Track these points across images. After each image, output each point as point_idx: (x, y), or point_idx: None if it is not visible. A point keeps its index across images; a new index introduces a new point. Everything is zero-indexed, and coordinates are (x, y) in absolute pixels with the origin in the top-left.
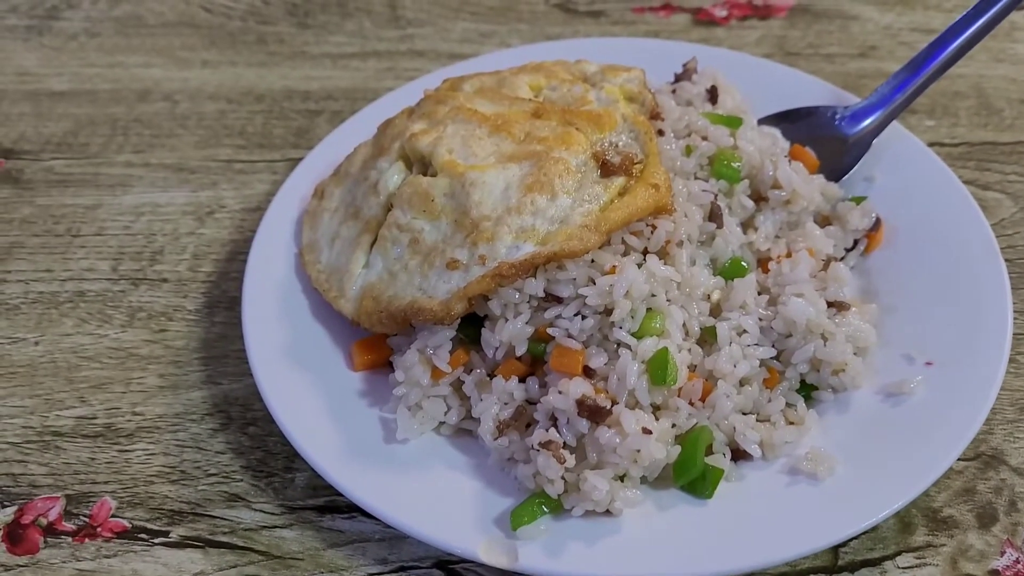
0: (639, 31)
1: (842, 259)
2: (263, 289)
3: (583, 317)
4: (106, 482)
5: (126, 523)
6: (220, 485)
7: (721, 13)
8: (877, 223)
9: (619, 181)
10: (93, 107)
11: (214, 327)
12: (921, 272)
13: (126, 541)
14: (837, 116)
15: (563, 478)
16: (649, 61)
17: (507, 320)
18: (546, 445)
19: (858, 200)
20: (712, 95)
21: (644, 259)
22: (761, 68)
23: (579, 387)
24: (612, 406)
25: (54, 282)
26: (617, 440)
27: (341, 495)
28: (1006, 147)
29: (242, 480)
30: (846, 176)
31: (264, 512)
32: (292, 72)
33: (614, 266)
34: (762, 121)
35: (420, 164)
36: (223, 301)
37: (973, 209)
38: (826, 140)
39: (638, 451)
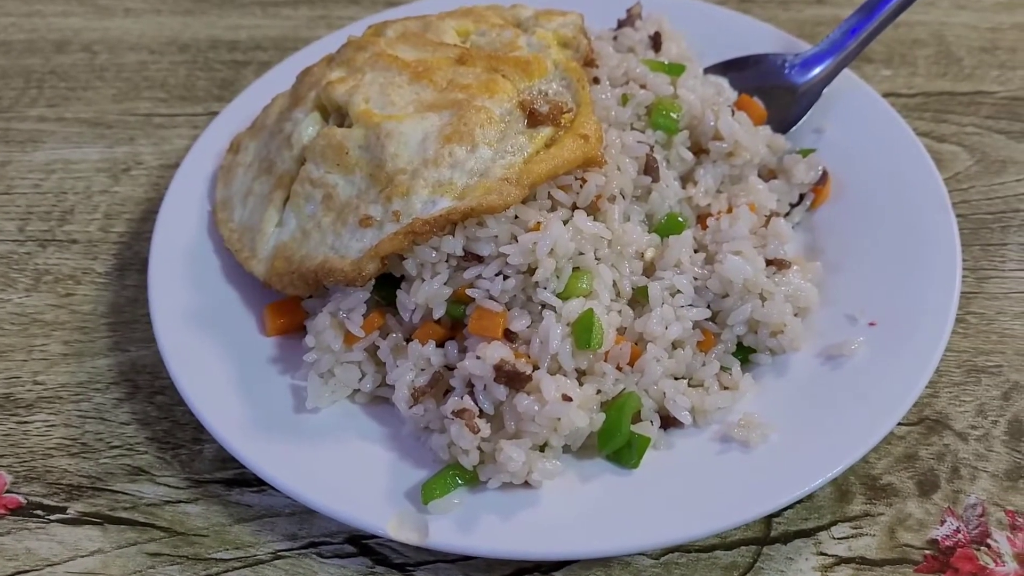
0: None
1: (787, 215)
2: (173, 250)
3: (505, 277)
4: (1, 455)
5: (21, 499)
6: (123, 458)
7: None
8: (824, 176)
9: (546, 132)
10: (6, 59)
11: (124, 291)
12: (869, 228)
13: (20, 518)
14: (787, 64)
15: (479, 448)
16: (593, 7)
17: (424, 281)
18: (460, 413)
19: (805, 152)
20: (655, 42)
21: (572, 215)
22: (710, 14)
23: (497, 351)
24: (533, 371)
25: None
26: (536, 408)
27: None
28: (964, 97)
29: (147, 453)
30: (794, 127)
31: (168, 486)
32: (219, 21)
33: (539, 223)
34: (708, 70)
35: (337, 115)
36: (135, 263)
37: (926, 162)
38: (775, 90)
39: (558, 419)
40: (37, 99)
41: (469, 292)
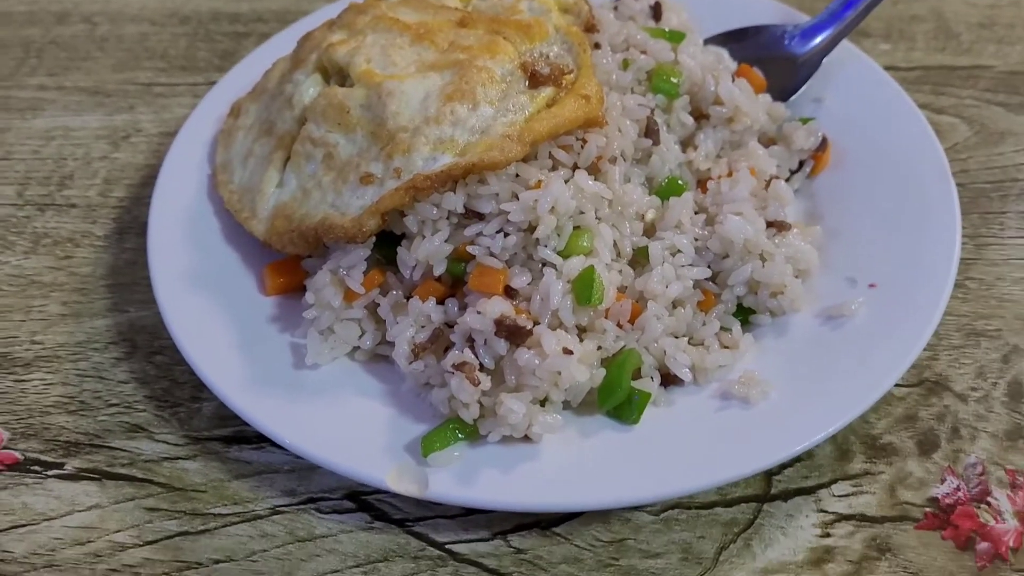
0: None
1: (787, 181)
2: (173, 211)
3: (506, 234)
4: None
5: (18, 455)
6: (121, 416)
7: None
8: (824, 143)
9: (547, 92)
10: (6, 29)
11: (123, 253)
12: (869, 194)
13: (17, 473)
14: (786, 35)
15: (479, 402)
16: None
17: (424, 238)
18: (460, 367)
19: (805, 121)
20: (656, 12)
21: (573, 174)
22: None
23: (498, 306)
24: (533, 327)
25: None
26: (536, 361)
27: (249, 425)
28: (963, 71)
29: (145, 410)
30: (794, 96)
31: (167, 443)
32: None
33: (540, 181)
34: (708, 41)
35: (338, 76)
36: (134, 227)
37: (924, 129)
38: (775, 60)
39: (559, 373)
40: (37, 68)
41: (470, 249)
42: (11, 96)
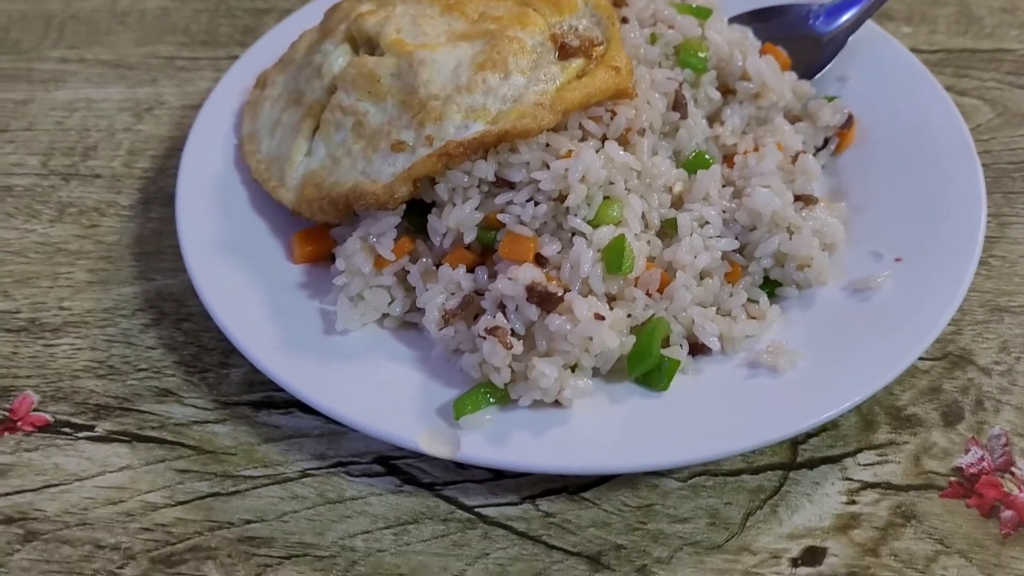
0: None
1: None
2: (200, 180)
3: (536, 203)
4: (28, 376)
5: (48, 417)
6: (150, 380)
7: None
8: (849, 120)
9: (577, 63)
10: (26, 3)
11: (149, 223)
12: (894, 171)
13: (48, 435)
14: (811, 14)
15: (510, 367)
16: None
17: (455, 205)
18: (492, 331)
19: (830, 99)
20: None
21: (603, 145)
22: None
23: (529, 272)
24: (564, 293)
25: None
26: (568, 327)
27: (278, 390)
28: (985, 54)
29: (174, 375)
30: (819, 74)
31: (196, 407)
32: None
33: (570, 150)
34: (732, 20)
35: (367, 46)
36: (159, 197)
37: (949, 108)
38: (800, 39)
39: (590, 338)
40: (58, 42)
41: (500, 217)
42: (33, 68)
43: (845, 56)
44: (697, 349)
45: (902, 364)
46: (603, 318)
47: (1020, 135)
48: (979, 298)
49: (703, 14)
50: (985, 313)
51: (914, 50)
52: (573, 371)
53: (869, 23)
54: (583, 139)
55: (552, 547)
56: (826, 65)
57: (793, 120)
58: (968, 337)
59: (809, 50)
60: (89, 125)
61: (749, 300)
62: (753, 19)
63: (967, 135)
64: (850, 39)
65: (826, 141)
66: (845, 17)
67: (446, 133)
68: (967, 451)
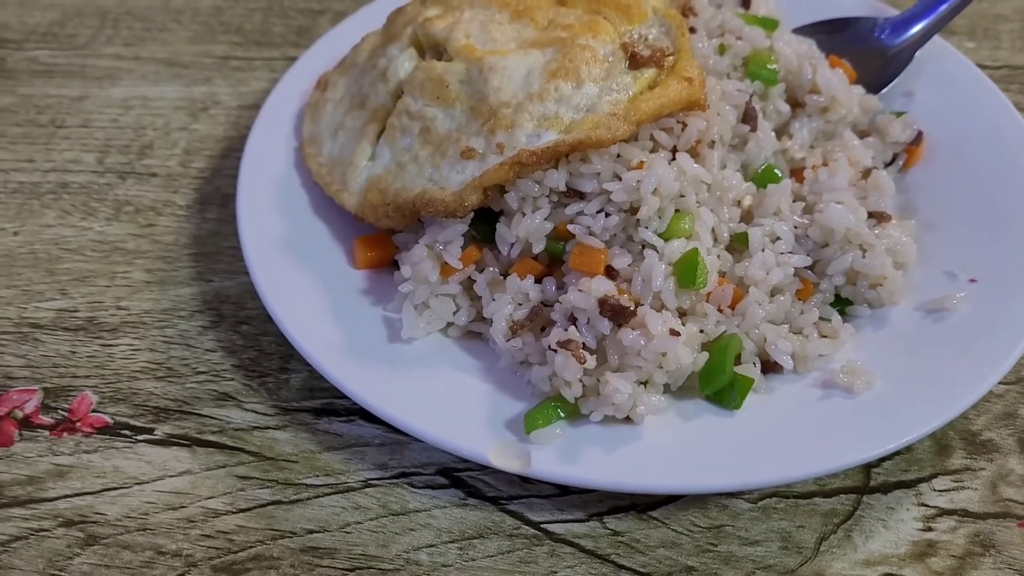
0: None
1: None
2: (260, 182)
3: (607, 214)
4: (87, 376)
5: (108, 418)
6: (209, 384)
7: None
8: (919, 137)
9: (649, 73)
10: None
11: (206, 223)
12: (964, 189)
13: (107, 437)
14: (877, 27)
15: (581, 381)
16: None
17: (524, 215)
18: (565, 344)
19: (898, 115)
20: (745, 0)
21: (674, 157)
22: None
23: (601, 285)
24: (636, 307)
25: (36, 172)
26: (642, 342)
27: (339, 397)
28: None
29: (233, 379)
30: (885, 89)
31: (256, 412)
32: None
33: (642, 161)
34: (795, 31)
35: (434, 51)
36: (216, 198)
37: (1019, 124)
38: (865, 52)
39: (664, 354)
40: (113, 38)
41: (570, 228)
42: (88, 64)
43: (912, 71)
44: (769, 367)
45: (981, 389)
46: (678, 334)
47: None
48: None
49: (770, 25)
50: None
51: (978, 65)
52: (644, 387)
53: (936, 38)
54: (654, 150)
55: (621, 567)
56: (893, 79)
57: (861, 135)
58: None
59: (875, 64)
60: (145, 123)
61: (821, 318)
62: (817, 31)
63: None
64: (917, 54)
65: (894, 157)
66: (912, 31)
67: (518, 141)
68: None
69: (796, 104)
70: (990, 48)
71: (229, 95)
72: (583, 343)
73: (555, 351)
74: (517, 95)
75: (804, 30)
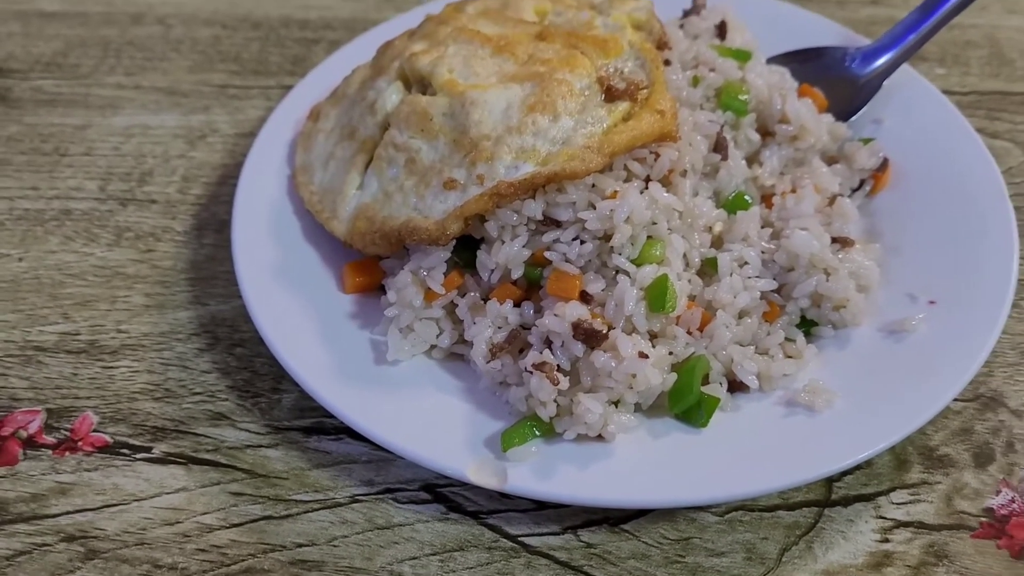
0: None
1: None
2: (254, 209)
3: (582, 242)
4: (88, 397)
5: (108, 438)
6: (205, 404)
7: None
8: (884, 163)
9: (623, 106)
10: (84, 29)
11: (203, 249)
12: (927, 214)
13: (107, 455)
14: (847, 57)
15: (556, 401)
16: None
17: (504, 243)
18: (540, 366)
19: (866, 141)
20: (721, 31)
21: (647, 186)
22: (772, 7)
23: (575, 310)
24: (608, 331)
25: (40, 199)
26: (613, 364)
27: (328, 417)
28: (1017, 97)
29: (227, 400)
30: (854, 117)
31: (249, 431)
32: (290, 0)
33: (615, 191)
34: (770, 60)
35: (419, 84)
36: (213, 223)
37: (983, 153)
38: (836, 81)
39: (634, 375)
40: (115, 67)
41: (547, 255)
42: (91, 94)
43: (880, 99)
44: (736, 387)
45: (936, 406)
46: (647, 356)
47: None
48: (1011, 340)
49: (743, 57)
50: (1017, 356)
51: (947, 92)
52: (616, 406)
53: (904, 67)
54: (628, 180)
55: None
56: (862, 107)
57: (829, 161)
58: (1000, 379)
59: (846, 92)
60: (145, 151)
61: (786, 339)
62: (791, 60)
63: (1000, 179)
64: (885, 82)
65: (862, 183)
66: (881, 61)
67: (497, 173)
68: (998, 492)
69: (767, 133)
70: (959, 74)
71: (226, 123)
72: (557, 365)
73: (531, 373)
74: (497, 128)
75: (779, 59)
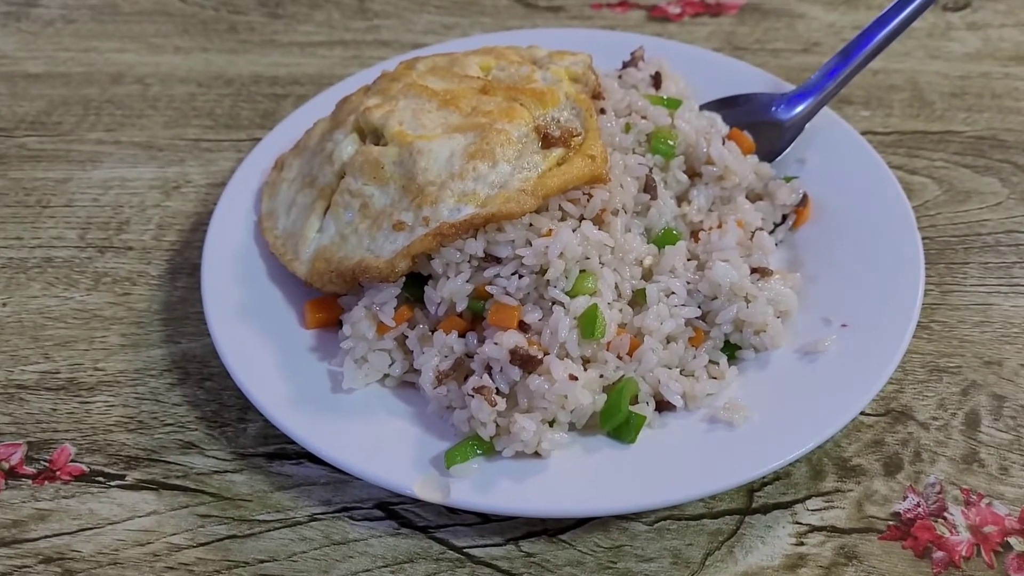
0: (596, 25)
1: (772, 233)
2: (223, 253)
3: (520, 276)
4: (66, 430)
5: (84, 467)
6: (175, 434)
7: (675, 10)
8: (804, 199)
9: (558, 152)
10: (67, 88)
11: (176, 291)
12: (844, 245)
13: (83, 484)
14: (774, 102)
15: (495, 422)
16: (602, 51)
17: (449, 279)
18: (479, 390)
19: (789, 179)
20: (656, 81)
21: (579, 224)
22: (706, 58)
23: (513, 338)
24: (543, 356)
25: (23, 248)
26: (546, 386)
27: (290, 443)
28: (935, 136)
29: (196, 429)
30: (780, 157)
31: (216, 458)
32: (261, 59)
33: (551, 229)
34: (704, 107)
35: (373, 136)
36: (185, 268)
37: (895, 188)
38: (763, 124)
39: (565, 396)
40: (95, 124)
41: (488, 289)
42: (72, 149)
43: (804, 140)
44: (663, 406)
45: (844, 418)
46: (576, 378)
47: (963, 211)
48: (920, 359)
49: (673, 105)
50: (925, 373)
51: (870, 132)
52: (551, 425)
53: (826, 110)
54: (562, 219)
55: None
56: (786, 148)
57: (756, 199)
58: (909, 395)
59: (771, 134)
60: (123, 202)
61: (711, 362)
62: (723, 106)
63: (910, 213)
64: (808, 125)
65: (784, 218)
66: (803, 105)
67: (441, 215)
68: (905, 498)
69: (694, 174)
70: (882, 116)
71: (200, 174)
72: (496, 388)
73: (472, 396)
74: (441, 175)
75: (712, 105)
